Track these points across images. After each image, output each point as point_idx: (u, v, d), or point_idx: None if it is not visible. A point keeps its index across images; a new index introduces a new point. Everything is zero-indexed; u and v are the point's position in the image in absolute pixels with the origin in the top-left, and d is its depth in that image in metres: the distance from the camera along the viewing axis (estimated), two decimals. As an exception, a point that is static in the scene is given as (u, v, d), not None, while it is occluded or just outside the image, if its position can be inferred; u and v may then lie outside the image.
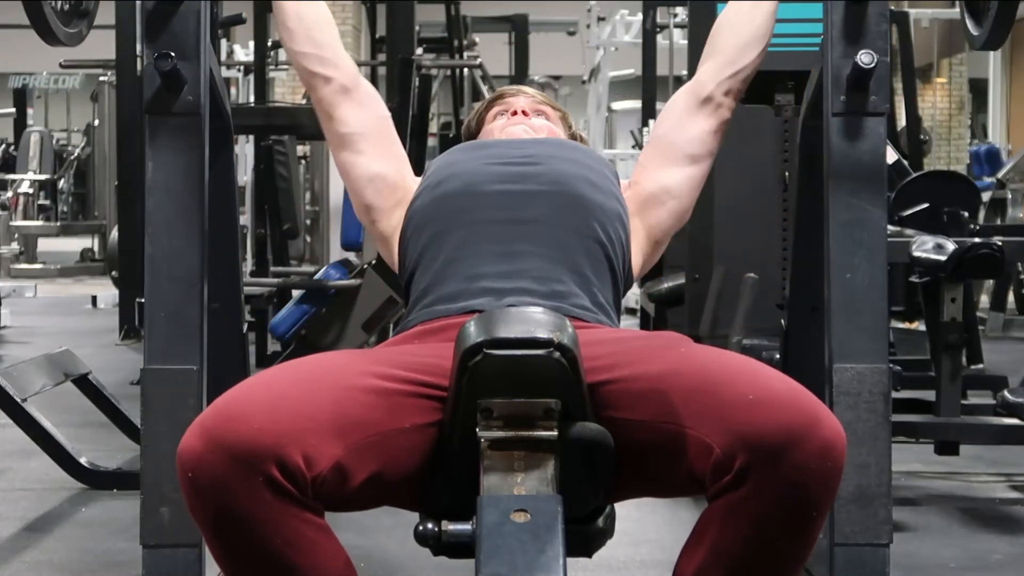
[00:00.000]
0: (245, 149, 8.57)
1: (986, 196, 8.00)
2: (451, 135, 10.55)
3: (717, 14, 4.32)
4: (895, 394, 3.48)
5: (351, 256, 5.96)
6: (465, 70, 9.63)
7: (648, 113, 8.47)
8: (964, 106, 17.15)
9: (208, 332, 2.11)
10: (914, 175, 4.92)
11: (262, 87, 7.56)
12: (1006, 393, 3.67)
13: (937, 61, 15.79)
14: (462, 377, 1.65)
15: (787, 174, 4.34)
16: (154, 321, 2.10)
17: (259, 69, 7.47)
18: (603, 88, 12.16)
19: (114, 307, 7.82)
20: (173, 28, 2.12)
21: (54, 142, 13.94)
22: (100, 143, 12.18)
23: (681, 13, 8.45)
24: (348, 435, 1.65)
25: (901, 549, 2.76)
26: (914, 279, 3.83)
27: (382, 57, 9.13)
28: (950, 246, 3.61)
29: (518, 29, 11.92)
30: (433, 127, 12.50)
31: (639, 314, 6.63)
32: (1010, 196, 8.62)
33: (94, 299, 9.13)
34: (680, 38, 8.61)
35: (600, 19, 12.04)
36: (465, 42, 10.13)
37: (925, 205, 4.57)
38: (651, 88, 8.45)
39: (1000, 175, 8.96)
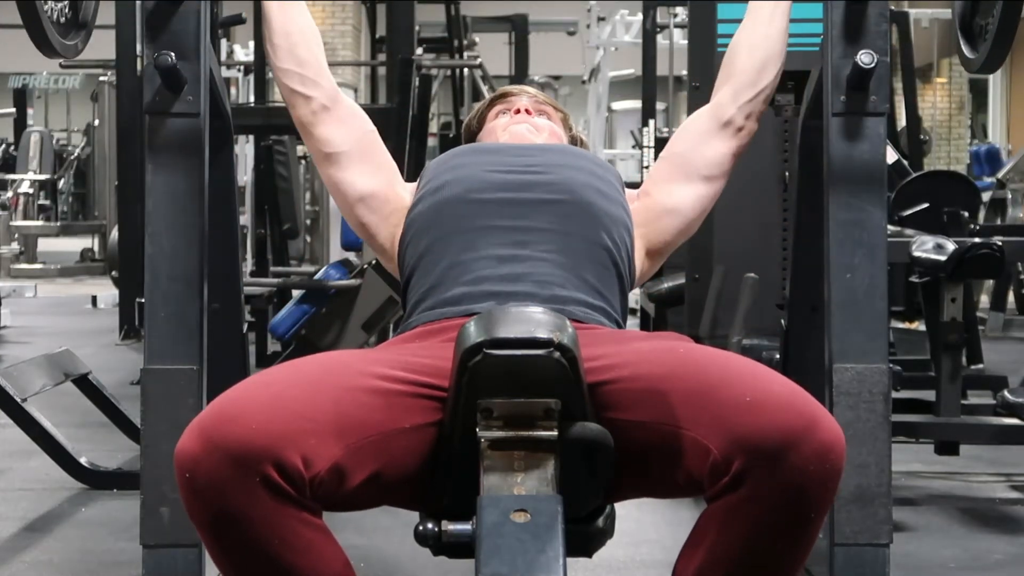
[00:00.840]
0: (245, 149, 8.57)
1: (986, 196, 8.00)
2: (451, 135, 10.55)
3: (717, 14, 4.34)
4: (895, 394, 3.48)
5: (351, 256, 5.97)
6: (465, 70, 9.63)
7: (648, 113, 8.45)
8: (964, 106, 17.16)
9: (208, 332, 2.11)
10: (914, 175, 4.92)
11: (262, 87, 7.56)
12: (1006, 393, 3.67)
13: (937, 61, 15.78)
14: (462, 377, 1.65)
15: (787, 174, 4.34)
16: (154, 321, 2.10)
17: (259, 69, 7.47)
18: (603, 88, 12.16)
19: (114, 307, 7.82)
20: (173, 28, 2.12)
21: (54, 142, 13.94)
22: (100, 143, 12.18)
23: (681, 13, 8.44)
24: (347, 435, 1.65)
25: (901, 549, 2.76)
26: (914, 279, 3.83)
27: (382, 57, 9.13)
28: (950, 246, 3.61)
29: (518, 29, 11.92)
30: (433, 127, 12.50)
31: (639, 314, 6.64)
32: (1010, 196, 8.62)
33: (94, 299, 9.13)
34: (680, 38, 8.60)
35: (600, 19, 12.04)
36: (465, 42, 10.13)
37: (925, 205, 4.57)
38: (651, 88, 8.44)
39: (1000, 175, 8.96)
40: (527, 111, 2.29)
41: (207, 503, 1.61)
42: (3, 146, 14.22)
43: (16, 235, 11.91)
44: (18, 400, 3.64)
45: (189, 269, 2.11)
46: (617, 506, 1.88)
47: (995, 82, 16.39)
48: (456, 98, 9.78)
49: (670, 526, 3.22)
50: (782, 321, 2.69)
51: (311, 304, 5.22)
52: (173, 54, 2.08)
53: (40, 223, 12.82)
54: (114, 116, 7.86)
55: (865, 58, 2.11)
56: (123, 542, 3.14)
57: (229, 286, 2.55)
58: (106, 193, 11.26)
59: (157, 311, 2.10)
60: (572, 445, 1.69)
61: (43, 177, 12.96)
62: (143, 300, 2.13)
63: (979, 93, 17.39)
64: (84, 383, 4.09)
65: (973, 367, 5.67)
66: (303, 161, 9.13)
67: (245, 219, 7.53)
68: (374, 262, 5.14)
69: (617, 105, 13.61)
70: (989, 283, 7.89)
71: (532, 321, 1.65)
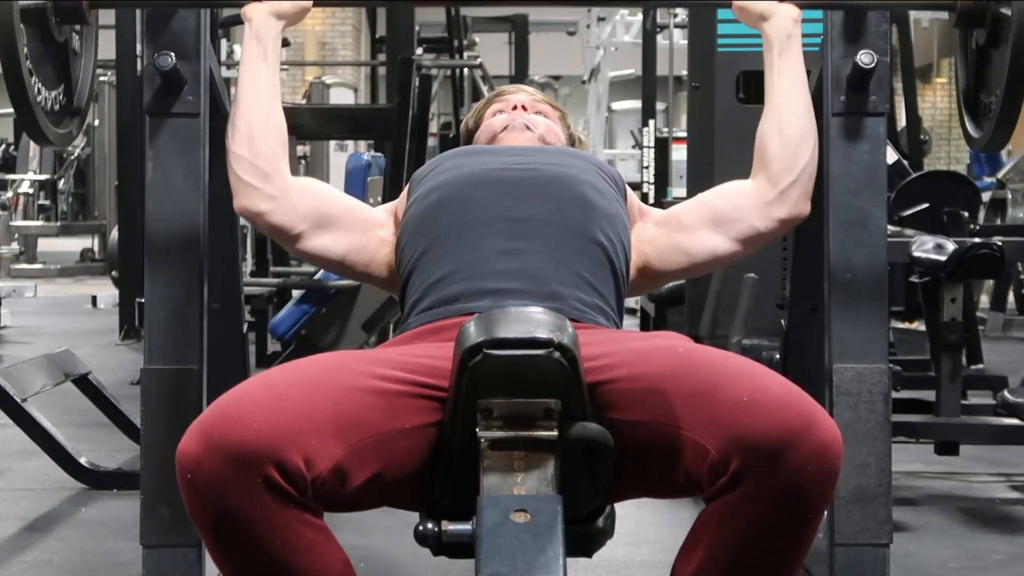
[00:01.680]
0: (245, 149, 8.54)
1: (986, 196, 8.00)
2: (451, 135, 10.55)
3: (717, 14, 4.34)
4: (895, 394, 3.48)
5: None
6: (465, 70, 9.63)
7: (648, 113, 8.46)
8: (964, 106, 17.12)
9: (208, 332, 2.11)
10: (914, 175, 4.92)
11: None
12: (1006, 393, 3.67)
13: (937, 61, 15.79)
14: (462, 377, 1.65)
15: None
16: (154, 321, 2.10)
17: (259, 69, 7.44)
18: (603, 88, 12.16)
19: (114, 307, 7.81)
20: (173, 28, 2.12)
21: (54, 142, 13.92)
22: (100, 143, 12.17)
23: (681, 13, 8.44)
24: (348, 436, 1.65)
25: (901, 549, 2.76)
26: (914, 279, 3.83)
27: (382, 57, 9.14)
28: (950, 246, 3.61)
29: (518, 29, 11.93)
30: (433, 127, 12.50)
31: (639, 314, 6.63)
32: (1010, 196, 8.62)
33: (94, 299, 9.13)
34: (680, 38, 8.60)
35: (600, 19, 12.05)
36: (465, 42, 10.13)
37: (925, 205, 4.57)
38: (651, 88, 8.45)
39: (1000, 175, 8.95)
40: (524, 108, 2.29)
41: (208, 504, 1.61)
42: (3, 146, 14.20)
43: (16, 235, 11.89)
44: (18, 400, 3.64)
45: (189, 269, 2.11)
46: (617, 506, 1.88)
47: (995, 82, 16.35)
48: (456, 98, 9.79)
49: (670, 526, 3.22)
50: (782, 321, 2.69)
51: (311, 304, 5.22)
52: (173, 54, 2.09)
53: (40, 223, 12.81)
54: (114, 116, 7.86)
55: (865, 58, 2.11)
56: (123, 542, 3.14)
57: (229, 286, 2.55)
58: (106, 193, 11.26)
59: (157, 311, 2.10)
60: (572, 445, 1.69)
61: (43, 177, 12.95)
62: (143, 300, 2.13)
63: (979, 93, 17.34)
64: (84, 383, 4.09)
65: (973, 367, 5.67)
66: (303, 161, 9.13)
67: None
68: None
69: (617, 105, 13.61)
70: (989, 283, 7.88)
71: (532, 321, 1.65)
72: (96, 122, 12.28)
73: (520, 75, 11.60)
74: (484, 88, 9.42)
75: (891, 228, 3.93)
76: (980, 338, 6.00)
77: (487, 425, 1.66)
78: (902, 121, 9.04)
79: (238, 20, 2.21)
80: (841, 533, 2.06)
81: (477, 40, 11.59)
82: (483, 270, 1.95)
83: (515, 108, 2.29)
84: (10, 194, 12.44)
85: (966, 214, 4.64)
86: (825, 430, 1.63)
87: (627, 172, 11.52)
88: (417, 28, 7.47)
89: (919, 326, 6.12)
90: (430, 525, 1.66)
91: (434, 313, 1.94)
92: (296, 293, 5.67)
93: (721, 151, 4.39)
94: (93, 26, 2.21)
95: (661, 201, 7.22)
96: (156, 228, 2.12)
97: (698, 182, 4.64)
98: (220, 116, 2.37)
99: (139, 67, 5.60)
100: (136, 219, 6.56)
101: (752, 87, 2.29)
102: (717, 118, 4.34)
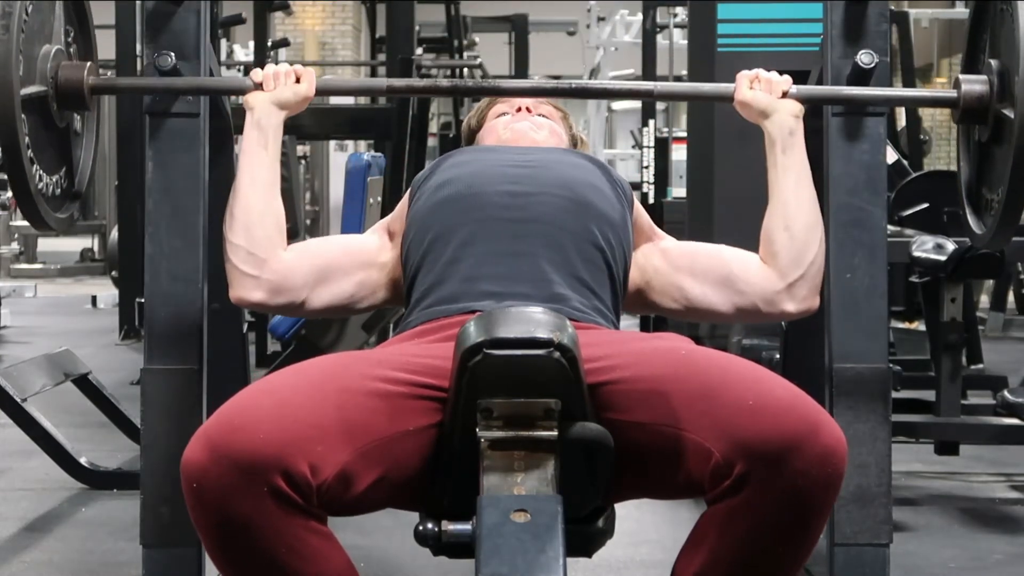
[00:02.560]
0: (245, 149, 8.55)
1: (986, 196, 7.99)
2: (451, 135, 10.55)
3: (717, 14, 4.35)
4: (895, 394, 3.48)
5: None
6: (465, 70, 9.63)
7: (648, 113, 8.45)
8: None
9: (208, 332, 2.11)
10: (914, 175, 4.93)
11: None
12: (1006, 393, 3.67)
13: (937, 61, 15.79)
14: (462, 377, 1.65)
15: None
16: (154, 321, 2.10)
17: (259, 69, 7.45)
18: (603, 88, 12.13)
19: (114, 307, 7.81)
20: (173, 28, 2.12)
21: (54, 142, 13.92)
22: (100, 143, 12.17)
23: (681, 13, 8.44)
24: (353, 441, 1.66)
25: (901, 549, 2.76)
26: (914, 279, 3.83)
27: (382, 57, 9.14)
28: (950, 246, 3.61)
29: (518, 29, 11.92)
30: (433, 127, 12.49)
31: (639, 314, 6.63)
32: (1010, 196, 8.61)
33: (94, 299, 9.13)
34: (680, 38, 8.60)
35: (600, 19, 12.04)
36: (465, 42, 10.13)
37: (925, 205, 4.58)
38: (651, 88, 8.43)
39: (1000, 175, 8.94)
40: (527, 109, 2.29)
41: (214, 512, 1.61)
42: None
43: (16, 235, 11.89)
44: (18, 400, 3.64)
45: (189, 269, 2.11)
46: (617, 506, 1.88)
47: (995, 82, 16.35)
48: (456, 98, 9.78)
49: (670, 526, 3.22)
50: (782, 321, 2.69)
51: (311, 304, 5.21)
52: (173, 54, 2.09)
53: (40, 223, 12.79)
54: (114, 116, 7.86)
55: (865, 58, 2.12)
56: (123, 542, 3.14)
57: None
58: (106, 193, 11.25)
59: (157, 311, 2.10)
60: (572, 445, 1.69)
61: (43, 177, 12.94)
62: (143, 300, 2.13)
63: (979, 93, 17.35)
64: (84, 383, 4.09)
65: (973, 367, 5.67)
66: (303, 161, 9.13)
67: (245, 219, 7.52)
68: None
69: (617, 105, 13.59)
70: (989, 283, 7.88)
71: (532, 321, 1.65)
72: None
73: (520, 75, 11.59)
74: (484, 88, 9.40)
75: (891, 228, 3.94)
76: (980, 338, 6.01)
77: (487, 425, 1.66)
78: (902, 121, 9.04)
79: (238, 20, 2.21)
80: (841, 533, 2.06)
81: (477, 40, 11.59)
82: (484, 272, 1.95)
83: (519, 109, 2.29)
84: (10, 194, 12.43)
85: (966, 214, 4.63)
86: (830, 435, 1.63)
87: (627, 172, 11.53)
88: (417, 28, 7.46)
89: (919, 326, 6.12)
90: (430, 525, 1.66)
91: (434, 311, 1.95)
92: (296, 293, 5.66)
93: (721, 151, 4.38)
94: (94, 110, 2.22)
95: (661, 201, 7.22)
96: (156, 228, 2.12)
97: (698, 182, 4.64)
98: (220, 116, 2.37)
99: (139, 67, 5.60)
100: (136, 219, 6.56)
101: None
102: (717, 118, 4.34)
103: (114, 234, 7.89)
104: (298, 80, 2.11)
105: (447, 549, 1.68)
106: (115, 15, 6.84)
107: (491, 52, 11.89)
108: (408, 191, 2.15)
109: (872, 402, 2.08)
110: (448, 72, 9.73)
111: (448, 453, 1.73)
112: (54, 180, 2.11)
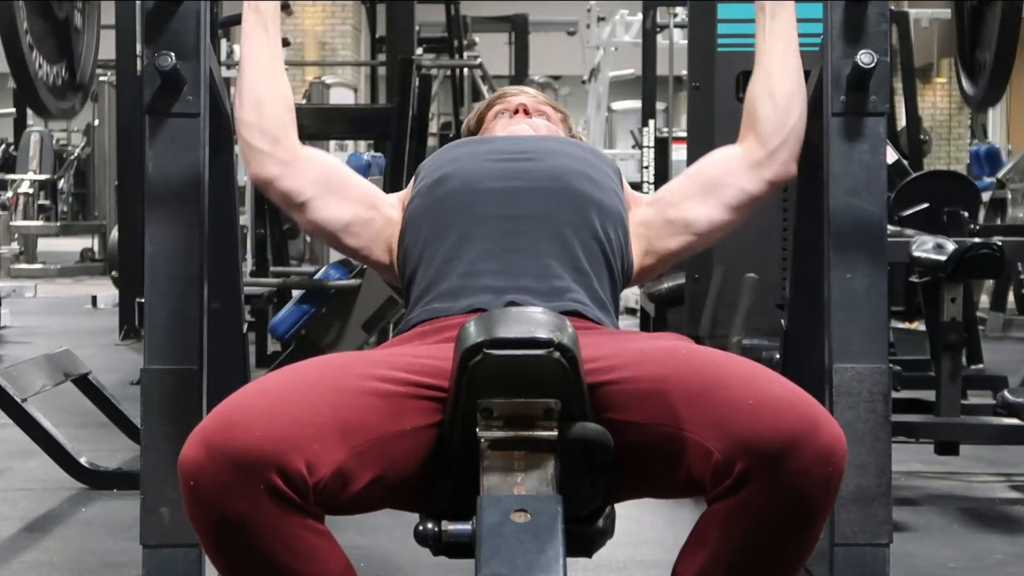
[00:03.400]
0: (245, 149, 8.54)
1: (986, 196, 8.00)
2: (451, 135, 10.55)
3: (717, 14, 4.34)
4: (895, 394, 3.48)
5: (351, 256, 5.94)
6: (465, 70, 9.63)
7: (648, 113, 8.46)
8: (964, 106, 17.15)
9: (208, 332, 2.11)
10: (914, 175, 4.92)
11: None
12: (1006, 393, 3.67)
13: (937, 61, 15.79)
14: (462, 377, 1.65)
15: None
16: (154, 321, 2.10)
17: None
18: (603, 88, 12.16)
19: (114, 307, 7.82)
20: (173, 28, 2.12)
21: (54, 142, 13.92)
22: (100, 143, 12.18)
23: (681, 13, 8.44)
24: (350, 439, 1.65)
25: (901, 549, 2.76)
26: (914, 279, 3.83)
27: (382, 57, 9.14)
28: (950, 246, 3.61)
29: (518, 29, 11.93)
30: (433, 127, 12.50)
31: (639, 314, 6.63)
32: (1010, 196, 8.62)
33: (94, 299, 9.13)
34: (680, 38, 8.60)
35: (600, 19, 12.04)
36: (465, 42, 10.13)
37: (925, 205, 4.57)
38: (651, 88, 8.44)
39: (1000, 175, 8.95)
40: (525, 111, 2.29)
41: (211, 510, 1.61)
42: (3, 146, 14.20)
43: (16, 235, 11.90)
44: (18, 400, 3.64)
45: (189, 269, 2.11)
46: (617, 506, 1.88)
47: (995, 82, 16.35)
48: (456, 98, 9.79)
49: (670, 526, 3.22)
50: (782, 321, 2.69)
51: (311, 304, 5.22)
52: (173, 54, 2.09)
53: (40, 223, 12.81)
54: (114, 116, 7.87)
55: (865, 58, 2.11)
56: (123, 542, 3.14)
57: (229, 286, 2.55)
58: (106, 193, 11.27)
59: (157, 311, 2.10)
60: (572, 445, 1.69)
61: (43, 177, 12.95)
62: (143, 300, 2.13)
63: (979, 93, 17.35)
64: (84, 383, 4.09)
65: (973, 367, 5.67)
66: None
67: (245, 219, 7.51)
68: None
69: (617, 105, 13.60)
70: (989, 283, 7.88)
71: (532, 321, 1.65)
72: (96, 122, 12.29)
73: (520, 75, 11.60)
74: (484, 88, 9.41)
75: (891, 228, 3.93)
76: (980, 338, 6.01)
77: (487, 425, 1.66)
78: (902, 121, 9.05)
79: (238, 20, 2.21)
80: (841, 533, 2.06)
81: (477, 40, 11.59)
82: (484, 267, 1.96)
83: (517, 111, 2.29)
84: (10, 194, 12.44)
85: (966, 214, 4.64)
86: (829, 433, 1.63)
87: (627, 172, 11.51)
88: (417, 28, 7.46)
89: (919, 326, 6.12)
90: (430, 525, 1.66)
91: (434, 310, 1.95)
92: (296, 293, 5.68)
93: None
94: (94, 2, 2.22)
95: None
96: (156, 228, 2.12)
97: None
98: (220, 116, 2.37)
99: (139, 67, 5.61)
100: (136, 219, 6.56)
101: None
102: (717, 118, 4.34)
103: (114, 234, 7.90)
104: None
105: (447, 549, 1.68)
106: (115, 15, 6.85)
107: (491, 52, 11.89)
108: (413, 178, 2.17)
109: (872, 402, 2.08)
110: (448, 72, 9.73)
111: (448, 453, 1.73)
112: (55, 70, 2.11)
